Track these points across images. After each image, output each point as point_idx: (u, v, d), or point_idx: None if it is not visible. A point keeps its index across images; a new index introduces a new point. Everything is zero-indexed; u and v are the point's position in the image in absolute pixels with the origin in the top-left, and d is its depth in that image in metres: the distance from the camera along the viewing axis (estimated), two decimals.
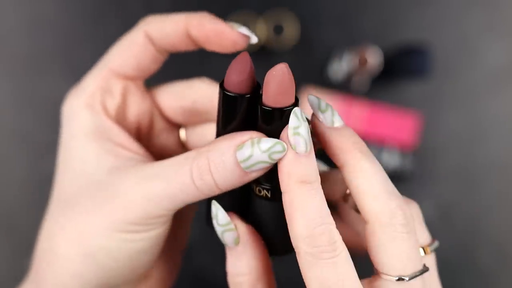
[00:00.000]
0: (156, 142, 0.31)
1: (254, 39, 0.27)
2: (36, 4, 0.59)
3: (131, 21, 0.60)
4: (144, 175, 0.26)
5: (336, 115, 0.25)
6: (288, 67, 0.23)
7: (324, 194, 0.27)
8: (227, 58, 0.27)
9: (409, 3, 0.61)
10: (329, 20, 0.60)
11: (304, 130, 0.23)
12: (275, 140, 0.23)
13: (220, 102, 0.25)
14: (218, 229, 0.26)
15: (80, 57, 0.59)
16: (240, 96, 0.24)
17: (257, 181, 0.25)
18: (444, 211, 0.58)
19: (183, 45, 0.29)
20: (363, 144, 0.25)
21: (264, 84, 0.23)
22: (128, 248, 0.26)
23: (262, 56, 0.58)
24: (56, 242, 0.27)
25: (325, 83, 0.60)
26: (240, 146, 0.24)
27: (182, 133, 0.32)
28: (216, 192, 0.25)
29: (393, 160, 0.57)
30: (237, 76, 0.24)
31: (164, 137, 0.31)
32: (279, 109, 0.23)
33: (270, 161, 0.23)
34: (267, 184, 0.25)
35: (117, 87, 0.29)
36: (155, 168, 0.26)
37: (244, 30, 0.27)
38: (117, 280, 0.28)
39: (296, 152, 0.23)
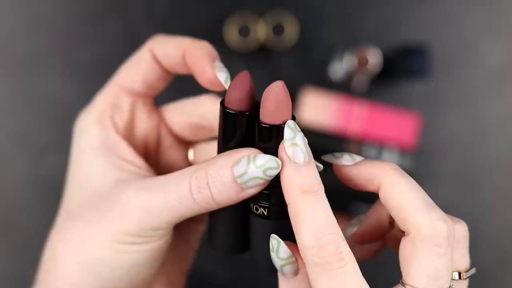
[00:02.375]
0: (164, 159, 0.32)
1: (226, 87, 0.27)
2: (36, 4, 0.59)
3: (131, 21, 0.60)
4: (144, 187, 0.26)
5: (353, 155, 0.26)
6: (284, 85, 0.24)
7: (372, 226, 0.28)
8: None
9: (409, 3, 0.61)
10: (329, 20, 0.60)
11: (300, 139, 0.23)
12: (270, 156, 0.24)
13: (221, 119, 0.25)
14: (278, 262, 0.25)
15: (80, 57, 0.59)
16: (240, 113, 0.25)
17: (254, 199, 0.26)
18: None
19: (180, 69, 0.29)
20: (393, 163, 0.25)
21: (261, 101, 0.24)
22: (126, 259, 0.27)
23: (262, 56, 0.58)
24: (57, 252, 0.28)
25: (325, 83, 0.60)
26: (237, 162, 0.24)
27: (190, 153, 0.32)
28: (214, 206, 0.25)
29: (393, 160, 0.57)
30: (237, 93, 0.24)
31: (171, 155, 0.32)
32: (276, 126, 0.24)
33: (264, 177, 0.24)
34: (264, 202, 0.25)
35: (126, 103, 0.30)
36: (156, 180, 0.26)
37: (221, 76, 0.27)
38: None
39: (295, 163, 0.23)
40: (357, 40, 0.59)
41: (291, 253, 0.25)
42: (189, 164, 0.32)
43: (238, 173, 0.24)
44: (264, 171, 0.24)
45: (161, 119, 0.32)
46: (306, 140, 0.24)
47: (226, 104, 0.25)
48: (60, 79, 0.59)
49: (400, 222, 0.24)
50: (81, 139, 0.29)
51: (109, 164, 0.28)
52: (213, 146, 0.31)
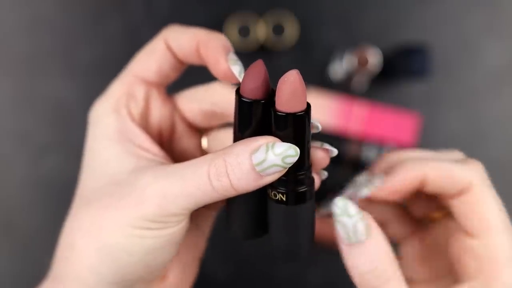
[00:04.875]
0: (178, 147, 0.32)
1: (240, 80, 0.28)
2: (36, 4, 0.59)
3: (131, 21, 0.60)
4: (162, 173, 0.26)
5: None
6: (299, 73, 0.24)
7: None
8: None
9: (409, 3, 0.61)
10: (329, 20, 0.60)
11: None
12: (288, 144, 0.24)
13: (236, 108, 0.26)
14: (350, 222, 0.27)
15: (80, 57, 0.59)
16: (255, 102, 0.25)
17: (272, 185, 0.26)
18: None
19: (193, 59, 0.30)
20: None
21: (277, 90, 0.24)
22: (143, 245, 0.27)
23: (262, 56, 0.58)
24: (74, 237, 0.28)
25: (325, 83, 0.60)
26: (255, 150, 0.24)
27: (204, 141, 0.33)
28: (232, 193, 0.25)
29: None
30: (252, 82, 0.25)
31: (185, 143, 0.32)
32: (292, 114, 0.24)
33: (283, 164, 0.24)
34: (282, 188, 0.26)
35: (140, 92, 0.30)
36: (173, 168, 0.26)
37: (236, 69, 0.28)
38: (132, 277, 0.28)
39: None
40: (357, 40, 0.59)
41: (359, 209, 0.27)
42: (202, 151, 0.33)
43: (256, 161, 0.24)
44: (283, 159, 0.24)
45: (174, 107, 0.32)
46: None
47: (241, 93, 0.25)
48: (60, 79, 0.59)
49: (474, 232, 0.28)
50: (97, 128, 0.29)
51: (125, 152, 0.28)
52: (226, 133, 0.31)
